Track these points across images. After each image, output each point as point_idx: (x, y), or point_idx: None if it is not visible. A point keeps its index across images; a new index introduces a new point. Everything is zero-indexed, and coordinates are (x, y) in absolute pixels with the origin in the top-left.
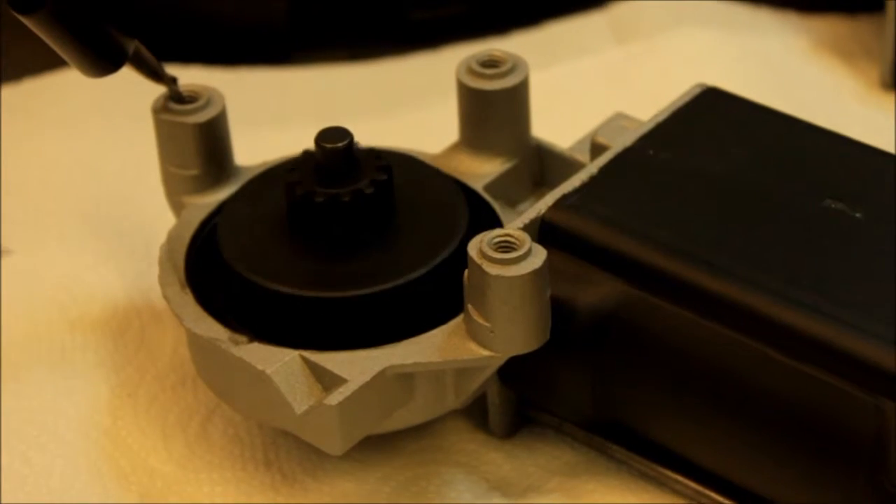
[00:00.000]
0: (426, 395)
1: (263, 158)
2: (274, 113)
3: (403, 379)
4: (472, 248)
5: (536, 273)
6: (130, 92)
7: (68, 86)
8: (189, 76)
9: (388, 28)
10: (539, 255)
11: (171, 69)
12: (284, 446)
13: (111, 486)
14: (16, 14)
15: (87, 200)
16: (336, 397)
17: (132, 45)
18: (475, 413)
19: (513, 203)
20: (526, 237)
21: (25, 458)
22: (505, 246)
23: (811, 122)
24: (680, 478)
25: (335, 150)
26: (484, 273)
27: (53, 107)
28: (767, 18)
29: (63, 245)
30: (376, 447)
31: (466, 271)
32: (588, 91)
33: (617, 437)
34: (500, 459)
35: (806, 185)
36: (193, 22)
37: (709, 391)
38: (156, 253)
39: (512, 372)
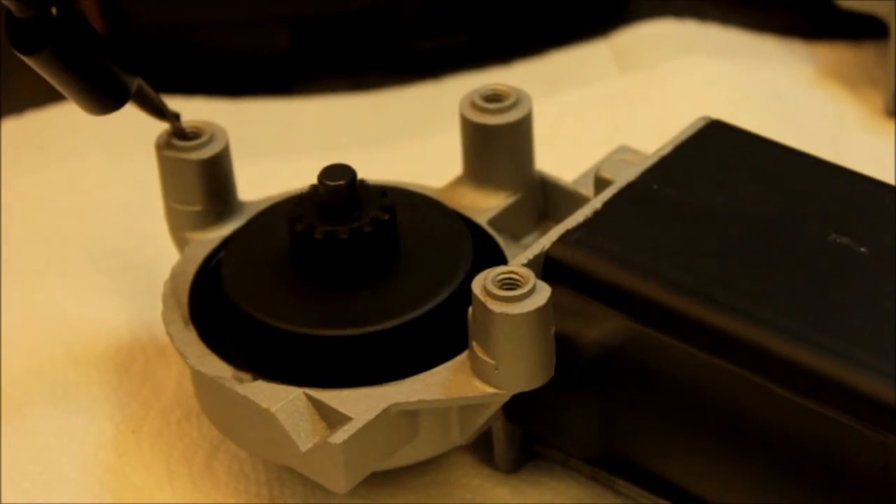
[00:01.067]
0: (431, 432)
1: (266, 189)
2: (277, 143)
3: (408, 416)
4: (477, 285)
5: (541, 311)
6: (134, 125)
7: (71, 118)
8: (192, 108)
9: (390, 58)
10: (543, 293)
11: (174, 101)
12: (290, 482)
13: None
14: (18, 54)
15: (91, 234)
16: (341, 435)
17: (135, 83)
18: (480, 448)
19: (517, 237)
20: (530, 274)
21: (29, 495)
22: (509, 283)
23: (815, 149)
24: None
25: (338, 187)
26: (488, 311)
27: (56, 140)
28: (772, 46)
29: (66, 280)
30: (381, 483)
31: (470, 308)
32: (591, 121)
33: (623, 472)
34: (506, 495)
35: (811, 219)
36: (196, 53)
37: (713, 426)
38: (160, 287)
39: (517, 407)
